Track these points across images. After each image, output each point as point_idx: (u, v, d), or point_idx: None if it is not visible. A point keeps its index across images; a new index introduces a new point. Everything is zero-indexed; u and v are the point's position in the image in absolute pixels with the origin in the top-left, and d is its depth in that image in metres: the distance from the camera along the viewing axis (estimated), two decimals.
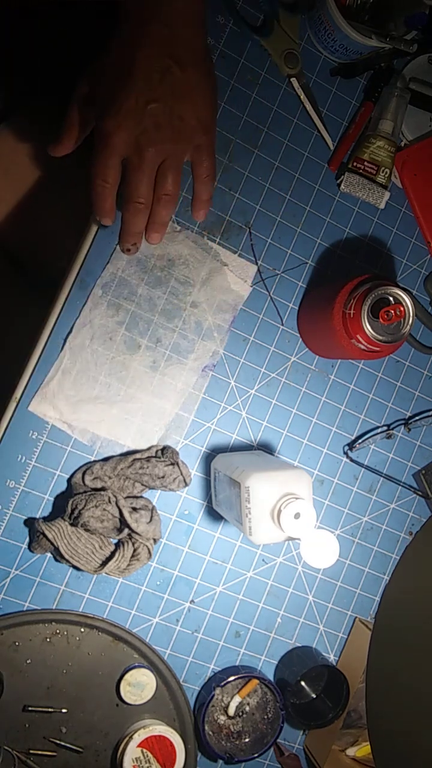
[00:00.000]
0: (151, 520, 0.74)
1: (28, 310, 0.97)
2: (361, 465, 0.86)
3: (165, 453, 0.77)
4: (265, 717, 0.81)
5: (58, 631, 0.74)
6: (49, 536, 0.70)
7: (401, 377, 0.88)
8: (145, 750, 0.73)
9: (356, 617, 0.86)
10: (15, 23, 0.83)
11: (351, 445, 0.86)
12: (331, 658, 0.85)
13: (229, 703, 0.80)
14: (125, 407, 0.78)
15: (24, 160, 0.88)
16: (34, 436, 0.75)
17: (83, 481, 0.73)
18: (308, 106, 0.84)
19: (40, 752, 0.73)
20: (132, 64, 0.57)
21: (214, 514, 0.80)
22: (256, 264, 0.82)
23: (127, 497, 0.75)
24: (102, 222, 0.66)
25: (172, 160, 0.61)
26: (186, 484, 0.77)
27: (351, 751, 0.83)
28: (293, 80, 0.83)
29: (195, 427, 0.80)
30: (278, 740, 0.81)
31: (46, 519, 0.74)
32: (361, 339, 0.73)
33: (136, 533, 0.73)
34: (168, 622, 0.79)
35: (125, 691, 0.75)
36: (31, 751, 0.73)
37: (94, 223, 0.75)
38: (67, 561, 0.71)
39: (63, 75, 0.90)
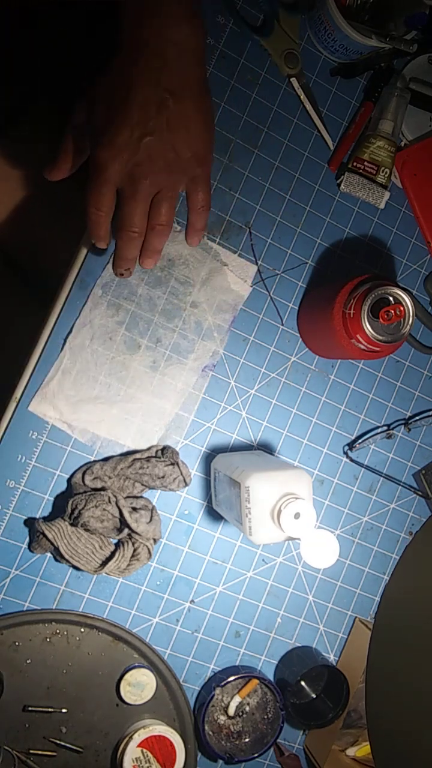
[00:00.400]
0: (151, 520, 0.74)
1: (27, 310, 0.97)
2: (361, 465, 0.86)
3: (165, 453, 0.77)
4: (265, 717, 0.81)
5: (58, 631, 0.74)
6: (49, 536, 0.70)
7: (401, 377, 0.88)
8: (145, 750, 0.73)
9: (356, 617, 0.86)
10: (15, 29, 0.83)
11: (351, 445, 0.86)
12: (331, 658, 0.85)
13: (229, 703, 0.80)
14: (125, 407, 0.78)
15: (23, 165, 0.88)
16: (34, 436, 0.75)
17: (83, 481, 0.73)
18: (308, 106, 0.84)
19: (40, 752, 0.73)
20: (127, 96, 0.57)
21: (214, 514, 0.80)
22: (256, 264, 0.82)
23: (127, 497, 0.75)
24: (97, 245, 0.66)
25: (167, 191, 0.62)
26: (186, 484, 0.77)
27: (351, 751, 0.83)
28: (293, 80, 0.83)
29: (195, 427, 0.80)
30: (278, 740, 0.81)
31: (46, 519, 0.74)
32: (361, 339, 0.73)
33: (136, 533, 0.73)
34: (168, 622, 0.79)
35: (125, 691, 0.75)
36: (31, 751, 0.73)
37: (84, 245, 0.75)
38: (67, 561, 0.71)
39: (63, 81, 0.90)
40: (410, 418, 0.89)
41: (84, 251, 0.76)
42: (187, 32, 0.57)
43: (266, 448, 0.83)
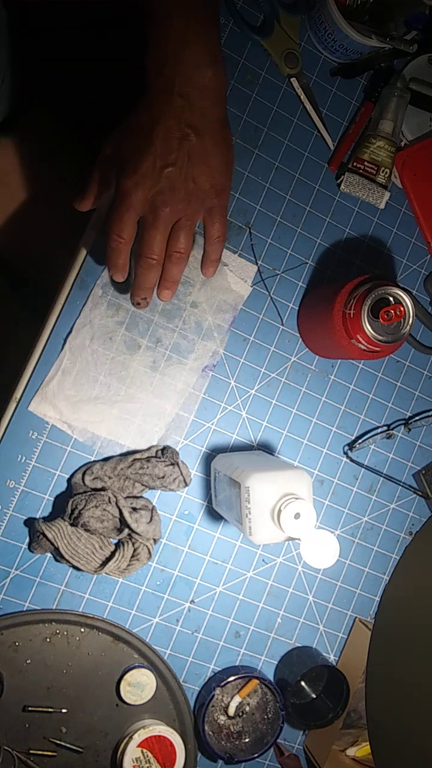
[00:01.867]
0: (151, 520, 0.74)
1: (27, 311, 0.97)
2: (361, 465, 0.86)
3: (165, 453, 0.77)
4: (265, 717, 0.81)
5: (58, 631, 0.74)
6: (49, 536, 0.70)
7: (401, 377, 0.88)
8: (145, 750, 0.73)
9: (356, 617, 0.86)
10: (13, 34, 0.83)
11: (351, 445, 0.86)
12: (331, 658, 0.85)
13: (229, 703, 0.80)
14: (125, 407, 0.78)
15: (21, 171, 0.88)
16: (34, 436, 0.75)
17: (83, 481, 0.73)
18: (308, 106, 0.84)
19: (40, 752, 0.73)
20: (152, 131, 0.61)
21: (214, 514, 0.80)
22: (256, 264, 0.82)
23: (127, 497, 0.75)
24: (114, 277, 0.69)
25: (185, 220, 0.65)
26: (186, 484, 0.77)
27: (351, 751, 0.83)
28: (293, 80, 0.83)
29: (195, 427, 0.80)
30: (278, 740, 0.81)
31: (46, 519, 0.74)
32: (361, 339, 0.73)
33: (136, 533, 0.73)
34: (168, 622, 0.79)
35: (125, 691, 0.75)
36: (31, 751, 0.73)
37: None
38: (67, 561, 0.71)
39: (62, 87, 0.90)
40: (410, 418, 0.89)
41: (84, 251, 0.76)
42: (210, 76, 0.61)
43: (266, 448, 0.83)
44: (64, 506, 0.73)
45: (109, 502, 0.72)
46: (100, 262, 0.77)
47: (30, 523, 0.74)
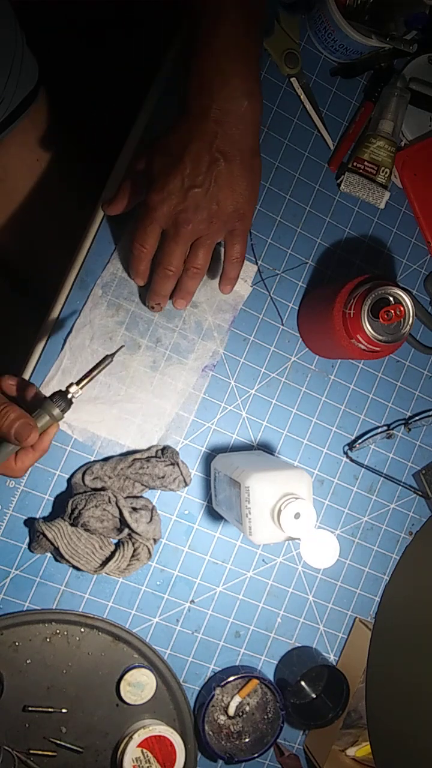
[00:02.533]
0: (151, 520, 0.74)
1: (27, 311, 0.97)
2: (361, 465, 0.86)
3: (165, 453, 0.77)
4: (265, 717, 0.81)
5: (58, 631, 0.74)
6: (49, 536, 0.70)
7: (401, 377, 0.88)
8: (145, 750, 0.73)
9: (356, 617, 0.86)
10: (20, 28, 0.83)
11: (351, 445, 0.86)
12: (331, 658, 0.85)
13: (229, 703, 0.80)
14: (125, 407, 0.78)
15: (21, 171, 0.88)
16: None
17: (83, 481, 0.73)
18: (308, 106, 0.84)
19: (40, 752, 0.73)
20: (184, 152, 0.64)
21: (214, 514, 0.80)
22: (256, 264, 0.82)
23: (127, 497, 0.75)
24: (135, 280, 0.74)
25: (206, 239, 0.68)
26: (186, 484, 0.77)
27: (351, 751, 0.83)
28: (293, 80, 0.83)
29: (195, 427, 0.80)
30: (278, 740, 0.81)
31: (46, 519, 0.74)
32: (361, 339, 0.73)
33: (136, 533, 0.73)
34: (168, 622, 0.79)
35: (125, 691, 0.75)
36: (31, 751, 0.73)
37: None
38: (67, 561, 0.71)
39: (62, 87, 0.90)
40: (410, 418, 0.89)
41: (84, 251, 0.76)
42: (245, 106, 0.64)
43: (266, 448, 0.83)
44: (64, 506, 0.73)
45: (109, 502, 0.72)
46: (100, 263, 0.77)
47: (30, 523, 0.74)
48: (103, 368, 0.63)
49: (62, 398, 0.61)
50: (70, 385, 0.62)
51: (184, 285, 0.71)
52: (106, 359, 0.63)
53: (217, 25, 0.63)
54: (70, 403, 0.62)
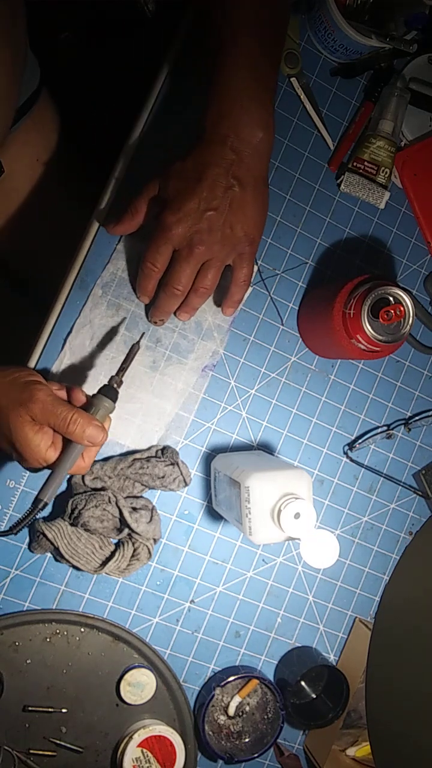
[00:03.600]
0: (151, 520, 0.74)
1: (27, 311, 0.97)
2: (361, 465, 0.86)
3: (165, 453, 0.77)
4: (265, 717, 0.81)
5: (58, 631, 0.74)
6: (49, 536, 0.70)
7: (401, 377, 0.88)
8: (145, 750, 0.73)
9: (356, 617, 0.86)
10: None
11: (351, 445, 0.86)
12: (331, 658, 0.85)
13: (229, 703, 0.80)
14: (125, 407, 0.78)
15: (21, 172, 0.88)
16: None
17: (83, 481, 0.73)
18: (308, 106, 0.84)
19: (40, 752, 0.73)
20: (202, 176, 0.66)
21: (214, 514, 0.80)
22: (256, 264, 0.82)
23: (127, 497, 0.75)
24: (140, 299, 0.76)
25: (216, 260, 0.70)
26: (186, 484, 0.77)
27: (351, 751, 0.83)
28: (293, 80, 0.83)
29: (195, 427, 0.80)
30: (278, 740, 0.81)
31: (46, 519, 0.74)
32: (361, 339, 0.73)
33: (136, 533, 0.73)
34: (168, 622, 0.79)
35: (125, 691, 0.75)
36: (31, 751, 0.73)
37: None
38: (67, 561, 0.71)
39: (62, 87, 0.90)
40: (410, 418, 0.89)
41: (84, 251, 0.76)
42: (260, 137, 0.67)
43: (266, 448, 0.83)
44: (64, 506, 0.73)
45: (109, 501, 0.72)
46: (100, 263, 0.77)
47: (30, 523, 0.74)
48: (134, 356, 0.68)
49: (111, 391, 0.65)
50: (112, 378, 0.66)
51: (191, 302, 0.73)
52: (135, 347, 0.68)
53: (238, 56, 0.66)
54: (117, 394, 0.66)
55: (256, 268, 0.82)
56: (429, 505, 0.89)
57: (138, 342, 0.68)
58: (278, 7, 0.71)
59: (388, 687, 0.71)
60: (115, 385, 0.66)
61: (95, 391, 0.66)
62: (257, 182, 0.69)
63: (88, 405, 0.64)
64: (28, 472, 0.74)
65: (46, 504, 0.63)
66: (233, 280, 0.74)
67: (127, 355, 0.68)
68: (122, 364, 0.67)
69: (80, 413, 0.61)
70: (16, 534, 0.64)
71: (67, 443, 0.63)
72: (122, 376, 0.67)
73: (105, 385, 0.66)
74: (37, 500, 0.62)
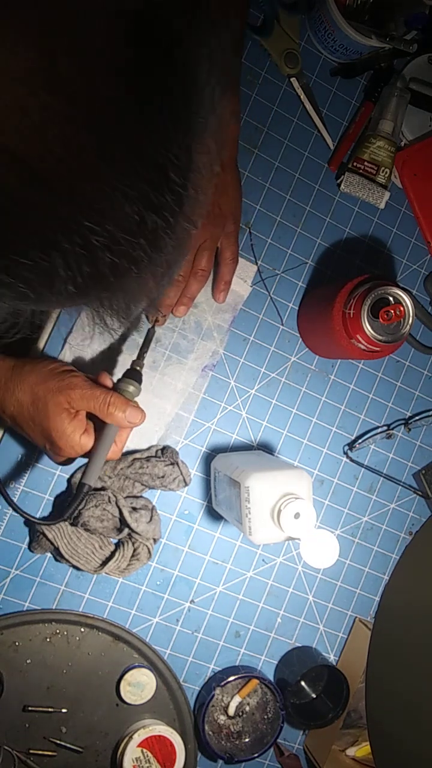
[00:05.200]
0: (150, 519, 0.74)
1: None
2: (361, 465, 0.86)
3: (165, 453, 0.77)
4: (265, 717, 0.81)
5: (58, 631, 0.74)
6: (49, 536, 0.70)
7: (401, 377, 0.88)
8: (145, 750, 0.73)
9: (356, 617, 0.86)
10: None
11: (351, 445, 0.86)
12: (331, 658, 0.85)
13: (229, 703, 0.80)
14: None
15: None
16: None
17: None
18: (308, 106, 0.84)
19: (40, 752, 0.73)
20: None
21: (214, 514, 0.80)
22: (256, 264, 0.82)
23: (127, 497, 0.75)
24: (162, 313, 0.78)
25: (209, 242, 0.73)
26: (186, 484, 0.77)
27: (351, 751, 0.83)
28: (293, 80, 0.83)
29: (195, 427, 0.80)
30: (278, 740, 0.81)
31: (46, 519, 0.74)
32: (361, 339, 0.73)
33: (136, 533, 0.73)
34: (168, 622, 0.79)
35: (125, 691, 0.75)
36: (31, 751, 0.73)
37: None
38: (67, 561, 0.71)
39: None
40: (410, 418, 0.89)
41: None
42: (232, 127, 0.72)
43: (266, 448, 0.83)
44: (64, 506, 0.73)
45: (109, 501, 0.72)
46: None
47: (30, 523, 0.74)
48: (151, 339, 0.70)
49: (136, 374, 0.67)
50: (134, 362, 0.68)
51: (190, 289, 0.75)
52: (151, 331, 0.70)
53: None
54: (141, 376, 0.67)
55: (255, 268, 0.82)
56: (429, 505, 0.89)
57: (153, 326, 0.71)
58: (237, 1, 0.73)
59: (388, 687, 0.71)
60: (138, 368, 0.67)
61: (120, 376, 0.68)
62: (232, 164, 0.74)
63: (115, 389, 0.66)
64: (28, 472, 0.74)
65: (90, 488, 0.64)
66: (222, 260, 0.77)
67: (145, 338, 0.70)
68: (141, 348, 0.69)
69: (117, 395, 0.63)
70: (72, 522, 0.68)
71: (101, 428, 0.64)
72: (143, 359, 0.68)
73: (129, 369, 0.67)
74: (81, 485, 0.63)
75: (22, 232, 0.27)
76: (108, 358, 0.77)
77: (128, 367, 0.68)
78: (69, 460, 0.67)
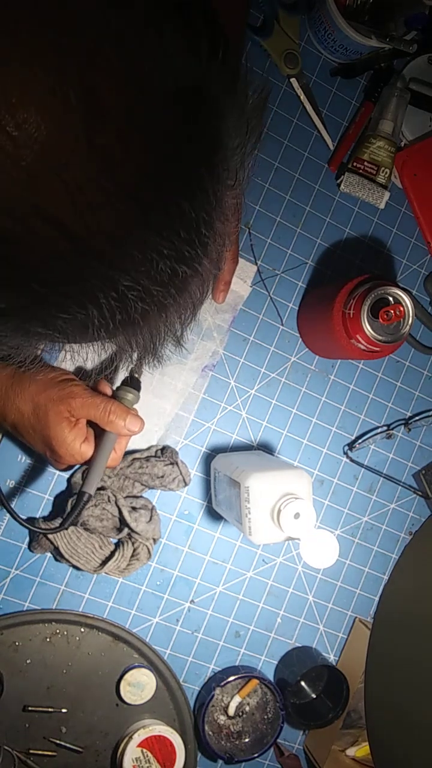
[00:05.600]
0: (150, 519, 0.74)
1: None
2: (361, 465, 0.86)
3: (164, 453, 0.77)
4: (265, 717, 0.81)
5: (58, 631, 0.74)
6: (49, 536, 0.70)
7: (401, 377, 0.88)
8: (145, 750, 0.73)
9: (356, 617, 0.86)
10: None
11: (351, 445, 0.86)
12: (331, 658, 0.85)
13: (229, 703, 0.80)
14: None
15: None
16: None
17: (82, 480, 0.73)
18: (308, 106, 0.84)
19: (40, 752, 0.73)
20: None
21: (214, 514, 0.80)
22: (256, 264, 0.82)
23: (127, 497, 0.75)
24: None
25: None
26: (185, 484, 0.77)
27: (351, 751, 0.83)
28: (293, 80, 0.83)
29: (195, 427, 0.80)
30: (278, 740, 0.81)
31: (46, 519, 0.74)
32: (360, 339, 0.73)
33: (136, 533, 0.73)
34: (168, 622, 0.79)
35: (125, 691, 0.75)
36: (31, 751, 0.73)
37: None
38: (67, 561, 0.71)
39: None
40: (410, 418, 0.89)
41: None
42: None
43: (266, 448, 0.83)
44: (64, 506, 0.73)
45: (109, 501, 0.72)
46: None
47: (30, 522, 0.74)
48: None
49: (134, 382, 0.67)
50: (132, 369, 0.68)
51: None
52: None
53: None
54: (140, 384, 0.68)
55: (255, 268, 0.82)
56: (429, 505, 0.89)
57: None
58: (238, 7, 0.73)
59: (388, 687, 0.71)
60: (137, 375, 0.67)
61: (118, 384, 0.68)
62: None
63: (115, 397, 0.66)
64: (28, 472, 0.74)
65: (91, 496, 0.64)
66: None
67: None
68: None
69: (117, 404, 0.63)
70: (67, 528, 0.67)
71: (101, 436, 0.64)
72: (142, 366, 0.68)
73: (127, 377, 0.67)
74: (81, 493, 0.63)
75: (63, 292, 0.28)
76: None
77: (126, 375, 0.68)
78: (70, 467, 0.67)
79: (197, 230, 0.29)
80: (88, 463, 0.65)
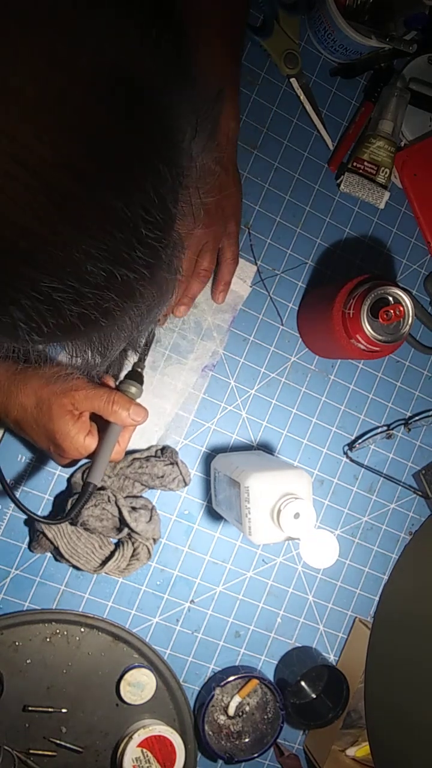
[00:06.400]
0: (150, 519, 0.74)
1: None
2: (361, 465, 0.86)
3: (164, 453, 0.77)
4: (265, 717, 0.81)
5: (58, 631, 0.74)
6: (49, 536, 0.70)
7: (401, 377, 0.88)
8: (145, 750, 0.73)
9: (356, 617, 0.86)
10: None
11: (351, 445, 0.86)
12: (331, 658, 0.85)
13: (229, 703, 0.80)
14: None
15: None
16: None
17: (83, 481, 0.73)
18: (308, 107, 0.84)
19: (40, 752, 0.73)
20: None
21: (214, 514, 0.80)
22: (256, 264, 0.82)
23: (127, 497, 0.75)
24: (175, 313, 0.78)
25: (211, 243, 0.74)
26: (185, 484, 0.77)
27: (351, 751, 0.83)
28: (293, 80, 0.83)
29: (195, 427, 0.80)
30: (278, 740, 0.81)
31: (46, 518, 0.74)
32: (360, 339, 0.73)
33: (136, 532, 0.73)
34: (168, 622, 0.79)
35: (125, 691, 0.75)
36: (31, 751, 0.73)
37: None
38: (67, 561, 0.71)
39: None
40: (410, 418, 0.89)
41: None
42: (233, 127, 0.73)
43: (266, 448, 0.83)
44: (64, 505, 0.73)
45: (109, 501, 0.72)
46: None
47: (30, 522, 0.74)
48: (153, 340, 0.71)
49: (137, 375, 0.67)
50: (135, 363, 0.68)
51: (191, 289, 0.76)
52: (152, 333, 0.71)
53: (205, 56, 0.72)
54: (143, 378, 0.67)
55: (255, 268, 0.82)
56: (429, 505, 0.89)
57: (154, 327, 0.72)
58: (238, 8, 0.74)
59: (387, 687, 0.71)
60: (139, 369, 0.68)
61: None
62: (234, 166, 0.75)
63: (118, 391, 0.66)
64: (28, 472, 0.75)
65: (96, 487, 0.64)
66: (222, 261, 0.77)
67: (146, 340, 0.70)
68: (142, 349, 0.69)
69: (120, 394, 0.64)
70: (71, 522, 0.68)
71: (105, 428, 0.65)
72: (144, 360, 0.69)
73: (130, 371, 0.68)
74: (86, 484, 0.63)
75: None
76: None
77: (129, 369, 0.68)
78: (73, 462, 0.67)
79: (135, 231, 0.27)
80: (92, 457, 0.65)
